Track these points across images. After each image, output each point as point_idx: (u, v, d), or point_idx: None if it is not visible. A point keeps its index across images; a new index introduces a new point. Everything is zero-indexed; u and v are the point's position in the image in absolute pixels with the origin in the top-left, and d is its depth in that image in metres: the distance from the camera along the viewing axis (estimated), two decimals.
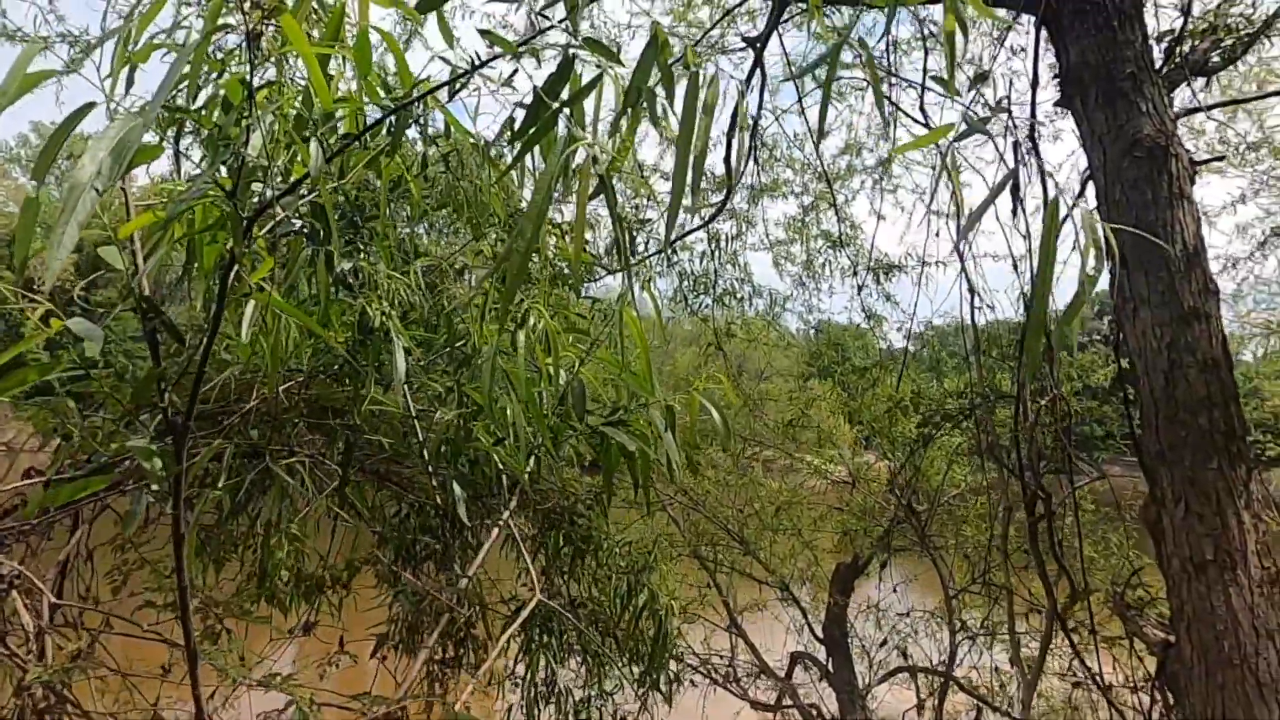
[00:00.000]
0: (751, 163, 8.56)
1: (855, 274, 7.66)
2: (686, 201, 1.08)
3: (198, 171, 1.56)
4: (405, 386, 2.56)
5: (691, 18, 8.72)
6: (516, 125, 2.09)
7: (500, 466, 2.74)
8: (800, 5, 6.89)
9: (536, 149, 1.43)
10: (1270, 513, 3.89)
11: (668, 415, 3.03)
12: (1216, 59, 4.83)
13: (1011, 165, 4.73)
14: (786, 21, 7.51)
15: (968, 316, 5.55)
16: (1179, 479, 3.69)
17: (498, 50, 1.28)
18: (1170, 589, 3.72)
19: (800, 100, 7.30)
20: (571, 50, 1.21)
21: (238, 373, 2.12)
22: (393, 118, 1.55)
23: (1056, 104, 4.64)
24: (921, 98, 5.40)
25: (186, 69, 1.11)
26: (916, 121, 5.52)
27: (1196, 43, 4.85)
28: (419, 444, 2.59)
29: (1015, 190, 4.38)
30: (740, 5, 7.66)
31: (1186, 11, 4.22)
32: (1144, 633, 3.93)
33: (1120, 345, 4.74)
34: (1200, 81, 4.81)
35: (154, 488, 1.34)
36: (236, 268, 1.34)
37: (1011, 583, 5.38)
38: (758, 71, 7.23)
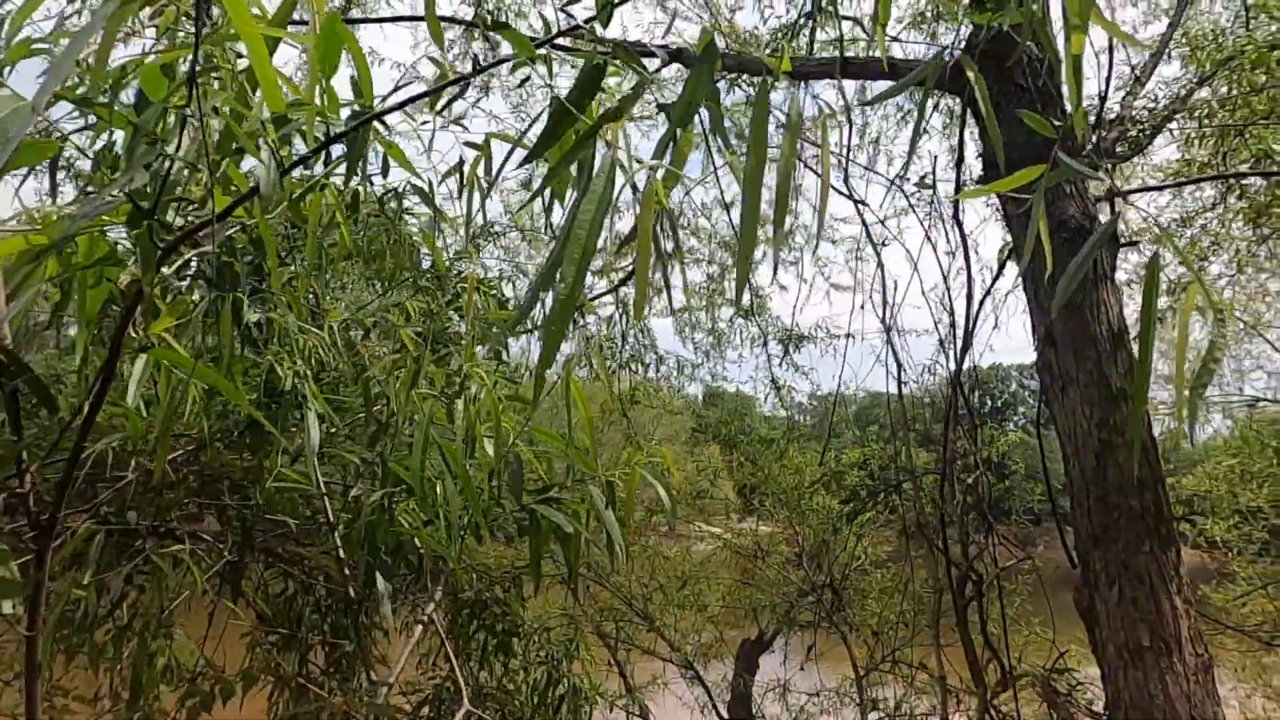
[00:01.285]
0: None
1: (765, 344, 7.61)
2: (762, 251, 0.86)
3: (89, 193, 1.22)
4: (316, 459, 2.21)
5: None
6: (466, 167, 1.82)
7: (423, 552, 2.39)
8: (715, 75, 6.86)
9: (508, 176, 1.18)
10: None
11: (608, 492, 2.76)
12: (1123, 148, 5.01)
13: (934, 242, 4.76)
14: None
15: (867, 387, 5.52)
16: (1113, 562, 3.63)
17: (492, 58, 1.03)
18: (1105, 676, 3.64)
19: (715, 171, 7.28)
20: (599, 57, 0.97)
21: (117, 442, 1.73)
22: (341, 139, 1.26)
23: (980, 181, 4.70)
24: (845, 172, 5.40)
25: (94, 42, 0.82)
26: (842, 194, 5.51)
27: (1105, 132, 5.03)
28: (328, 525, 2.23)
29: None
30: (657, 71, 7.64)
31: (1104, 98, 4.34)
32: None
33: (1040, 424, 4.78)
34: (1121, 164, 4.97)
35: (4, 609, 0.98)
36: (138, 313, 1.03)
37: (929, 660, 5.25)
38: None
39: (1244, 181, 6.62)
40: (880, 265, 5.26)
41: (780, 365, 6.98)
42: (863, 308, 5.83)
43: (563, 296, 0.83)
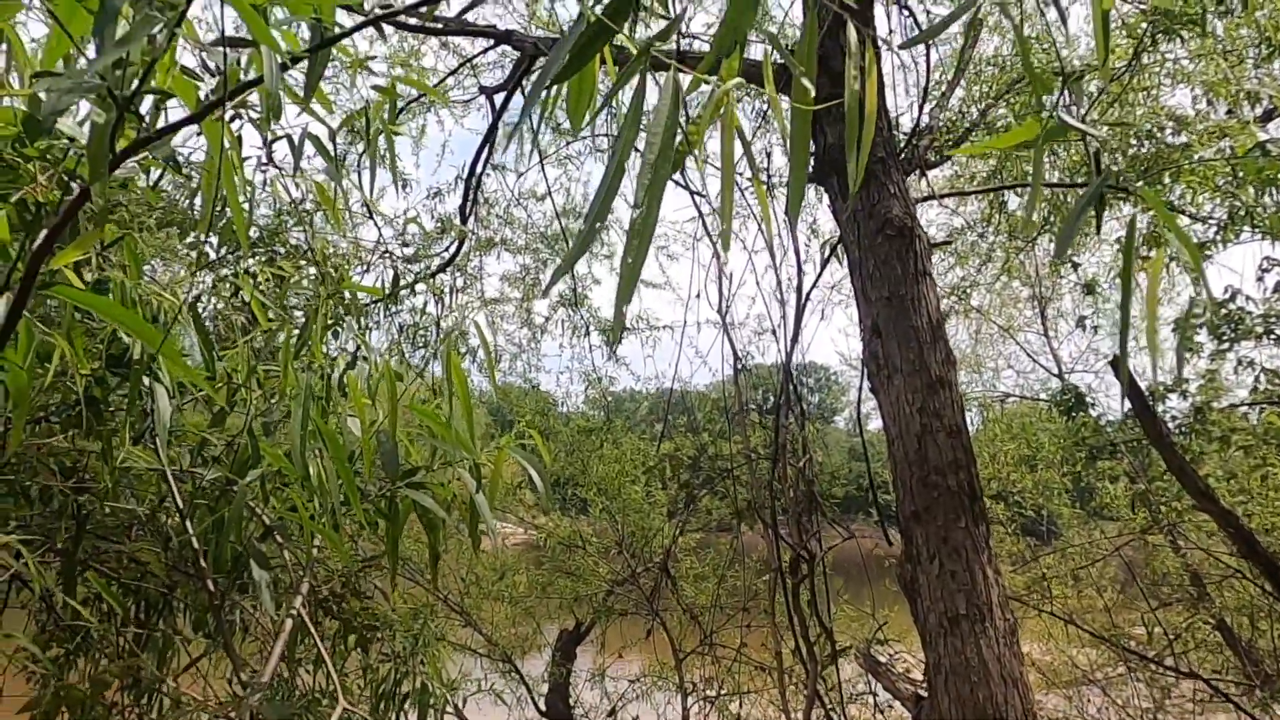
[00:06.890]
0: (474, 217, 8.31)
1: (587, 333, 7.62)
2: None
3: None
4: (170, 437, 1.95)
5: (418, 65, 8.29)
6: (385, 114, 1.67)
7: (280, 542, 2.17)
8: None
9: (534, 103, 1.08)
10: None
11: (476, 475, 2.64)
12: (932, 156, 5.41)
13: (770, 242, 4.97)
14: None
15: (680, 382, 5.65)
16: (933, 537, 3.90)
17: None
18: (926, 644, 3.90)
19: (542, 162, 7.23)
20: None
21: None
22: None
23: (811, 179, 4.92)
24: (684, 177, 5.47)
25: None
26: (678, 185, 5.58)
27: (916, 141, 5.41)
28: (179, 514, 1.97)
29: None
30: (480, 55, 7.44)
31: (922, 106, 4.66)
32: (897, 687, 4.08)
33: (861, 412, 5.09)
34: (928, 171, 5.35)
35: None
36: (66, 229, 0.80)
37: (752, 640, 5.44)
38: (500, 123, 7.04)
39: (1004, 199, 7.39)
40: (716, 257, 5.39)
41: (606, 358, 7.00)
42: (698, 297, 5.94)
43: (639, 224, 0.75)
